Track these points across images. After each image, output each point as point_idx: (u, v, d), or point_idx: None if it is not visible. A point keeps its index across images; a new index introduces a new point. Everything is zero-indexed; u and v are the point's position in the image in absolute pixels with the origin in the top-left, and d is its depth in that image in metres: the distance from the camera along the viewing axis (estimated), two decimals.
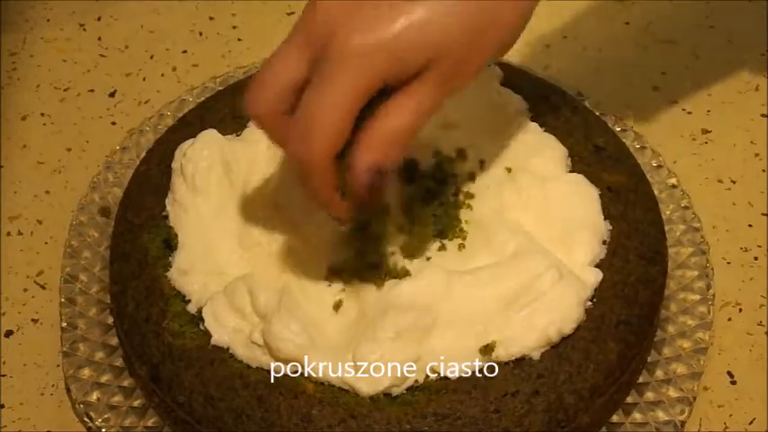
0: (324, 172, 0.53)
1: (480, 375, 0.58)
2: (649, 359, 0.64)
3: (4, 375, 0.68)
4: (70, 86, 0.89)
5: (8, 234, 0.76)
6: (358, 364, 0.57)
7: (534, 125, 0.71)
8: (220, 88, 0.79)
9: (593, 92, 0.81)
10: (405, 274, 0.61)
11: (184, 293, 0.63)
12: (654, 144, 0.76)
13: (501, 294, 0.60)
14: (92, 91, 0.88)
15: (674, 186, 0.73)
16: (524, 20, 0.56)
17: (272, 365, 0.59)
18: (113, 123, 0.85)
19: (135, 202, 0.69)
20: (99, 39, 0.93)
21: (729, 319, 0.70)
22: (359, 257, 0.61)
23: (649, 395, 0.62)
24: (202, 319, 0.61)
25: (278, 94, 0.54)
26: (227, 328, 0.60)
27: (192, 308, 0.62)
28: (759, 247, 0.74)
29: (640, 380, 0.63)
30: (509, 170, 0.66)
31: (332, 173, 0.53)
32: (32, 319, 0.71)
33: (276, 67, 0.54)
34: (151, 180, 0.70)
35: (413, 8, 0.51)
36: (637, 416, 0.62)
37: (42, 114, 0.86)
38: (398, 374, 0.57)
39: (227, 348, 0.60)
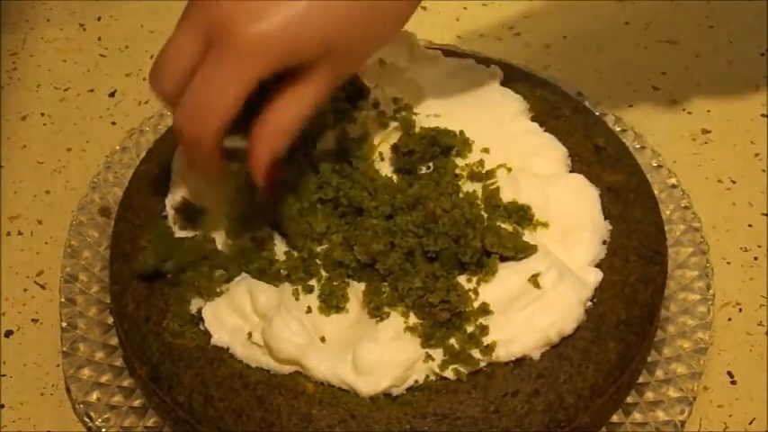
0: (211, 150, 0.57)
1: (480, 375, 0.58)
2: (649, 359, 0.64)
3: (4, 375, 0.68)
4: (70, 86, 0.89)
5: (8, 234, 0.76)
6: (358, 364, 0.57)
7: (534, 125, 0.70)
8: None
9: (593, 92, 0.81)
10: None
11: (184, 293, 0.63)
12: (654, 144, 0.76)
13: (501, 294, 0.60)
14: (92, 91, 0.88)
15: (674, 186, 0.73)
16: (403, 20, 0.60)
17: (272, 365, 0.59)
18: (113, 123, 0.85)
19: (135, 202, 0.69)
20: (99, 39, 0.93)
21: (729, 319, 0.70)
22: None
23: (649, 395, 0.62)
24: (202, 319, 0.61)
25: (178, 74, 0.56)
26: (227, 328, 0.60)
27: (192, 308, 0.62)
28: (759, 247, 0.74)
29: (640, 380, 0.63)
30: (509, 170, 0.66)
31: (217, 150, 0.57)
32: (32, 319, 0.71)
33: (172, 49, 0.57)
34: (151, 180, 0.70)
35: (302, 2, 0.54)
36: (637, 416, 0.62)
37: (42, 114, 0.86)
38: (398, 374, 0.57)
39: (227, 348, 0.60)
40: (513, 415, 0.57)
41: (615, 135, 0.73)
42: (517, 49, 0.91)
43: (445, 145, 0.66)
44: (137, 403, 0.63)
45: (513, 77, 0.74)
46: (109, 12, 0.96)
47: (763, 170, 0.80)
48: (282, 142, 0.57)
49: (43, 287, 0.73)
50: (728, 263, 0.73)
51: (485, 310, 0.59)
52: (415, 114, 0.69)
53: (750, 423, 0.64)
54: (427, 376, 0.58)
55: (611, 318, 0.61)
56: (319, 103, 0.57)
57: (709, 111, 0.85)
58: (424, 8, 0.96)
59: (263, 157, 0.57)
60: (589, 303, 0.61)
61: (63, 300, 0.67)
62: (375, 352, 0.57)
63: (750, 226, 0.76)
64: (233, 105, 0.55)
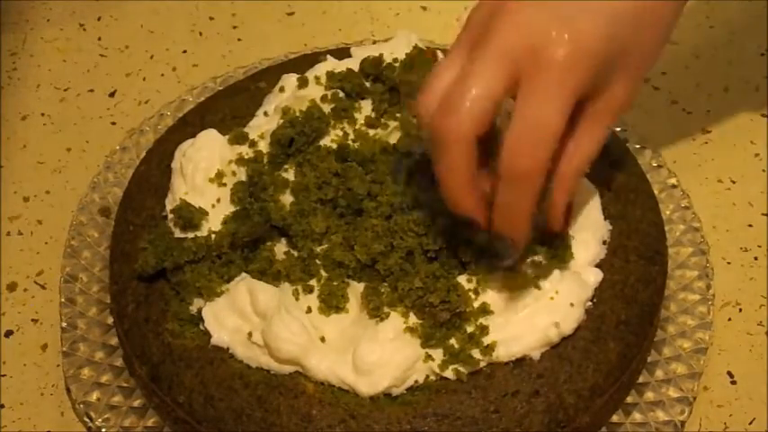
0: (540, 179, 0.53)
1: (480, 375, 0.58)
2: (649, 359, 0.64)
3: (4, 375, 0.68)
4: (70, 86, 0.89)
5: (8, 234, 0.76)
6: (358, 364, 0.57)
7: None
8: (220, 88, 0.79)
9: None
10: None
11: (184, 293, 0.63)
12: (654, 144, 0.76)
13: (501, 294, 0.60)
14: (92, 91, 0.88)
15: (674, 186, 0.73)
16: (676, 17, 0.58)
17: (272, 365, 0.59)
18: (113, 123, 0.85)
19: (135, 202, 0.69)
20: (99, 39, 0.93)
21: (729, 319, 0.70)
22: None
23: (649, 395, 0.62)
24: (202, 319, 0.61)
25: (480, 103, 0.52)
26: (227, 328, 0.61)
27: (192, 308, 0.62)
28: (759, 247, 0.74)
29: (640, 380, 0.63)
30: None
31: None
32: (32, 319, 0.71)
33: (477, 80, 0.53)
34: (151, 180, 0.70)
35: (601, 10, 0.53)
36: (637, 416, 0.62)
37: (42, 114, 0.86)
38: (398, 374, 0.57)
39: (227, 348, 0.60)
40: (513, 415, 0.57)
41: (615, 135, 0.73)
42: None
43: None
44: (137, 403, 0.63)
45: None
46: (109, 12, 0.96)
47: (763, 170, 0.79)
48: (580, 173, 0.58)
49: (43, 287, 0.73)
50: (728, 263, 0.73)
51: (485, 310, 0.59)
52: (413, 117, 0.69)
53: (750, 423, 0.64)
54: (427, 376, 0.58)
55: (611, 318, 0.61)
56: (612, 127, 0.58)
57: (709, 111, 0.85)
58: (424, 8, 0.96)
59: (563, 202, 0.57)
60: (589, 303, 0.61)
61: (63, 300, 0.67)
62: (375, 352, 0.57)
63: (750, 226, 0.76)
64: (562, 129, 0.53)
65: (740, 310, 0.70)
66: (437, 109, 0.53)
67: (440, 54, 0.74)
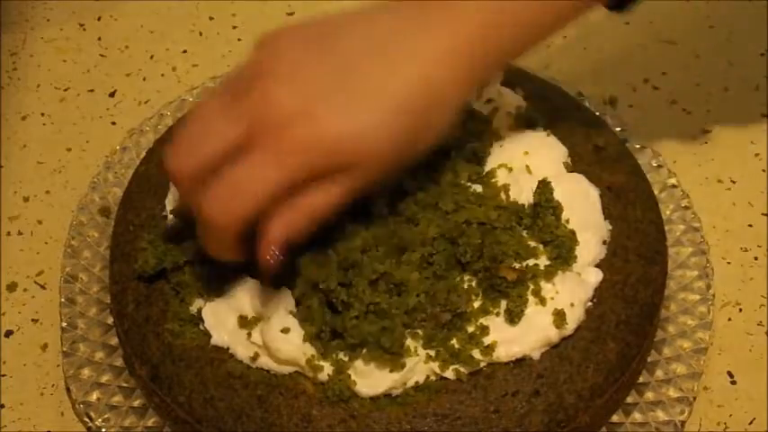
0: (232, 238, 0.54)
1: (480, 375, 0.58)
2: (649, 359, 0.64)
3: (4, 375, 0.68)
4: (70, 86, 0.89)
5: (8, 234, 0.76)
6: (357, 364, 0.57)
7: (534, 125, 0.70)
8: None
9: (593, 92, 0.81)
10: None
11: (184, 293, 0.63)
12: (654, 144, 0.76)
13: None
14: (92, 91, 0.88)
15: (674, 186, 0.73)
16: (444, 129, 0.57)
17: (272, 365, 0.59)
18: (113, 123, 0.85)
19: (135, 202, 0.69)
20: (99, 39, 0.93)
21: (729, 319, 0.70)
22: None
23: (649, 395, 0.62)
24: (202, 319, 0.61)
25: (206, 160, 0.54)
26: (228, 328, 0.60)
27: (192, 308, 0.62)
28: (759, 247, 0.74)
29: (640, 380, 0.63)
30: (509, 170, 0.66)
31: (237, 238, 0.55)
32: (32, 319, 0.71)
33: (207, 131, 0.55)
34: (151, 180, 0.70)
35: (359, 112, 0.53)
36: (637, 416, 0.62)
37: (42, 114, 0.86)
38: (398, 375, 0.57)
39: (227, 348, 0.60)
40: (513, 415, 0.57)
41: (615, 135, 0.73)
42: None
43: (445, 146, 0.66)
44: (137, 403, 0.63)
45: (513, 77, 0.74)
46: (109, 12, 0.96)
47: (763, 170, 0.79)
48: (302, 228, 0.54)
49: (43, 287, 0.73)
50: (728, 263, 0.73)
51: (485, 310, 0.59)
52: None
53: (750, 423, 0.64)
54: (427, 376, 0.58)
55: (611, 318, 0.61)
56: (340, 204, 0.55)
57: (709, 111, 0.85)
58: None
59: (280, 234, 0.54)
60: (589, 303, 0.61)
61: (63, 300, 0.67)
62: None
63: (750, 226, 0.76)
64: (267, 198, 0.53)
65: (740, 310, 0.70)
66: (199, 183, 0.54)
67: None
